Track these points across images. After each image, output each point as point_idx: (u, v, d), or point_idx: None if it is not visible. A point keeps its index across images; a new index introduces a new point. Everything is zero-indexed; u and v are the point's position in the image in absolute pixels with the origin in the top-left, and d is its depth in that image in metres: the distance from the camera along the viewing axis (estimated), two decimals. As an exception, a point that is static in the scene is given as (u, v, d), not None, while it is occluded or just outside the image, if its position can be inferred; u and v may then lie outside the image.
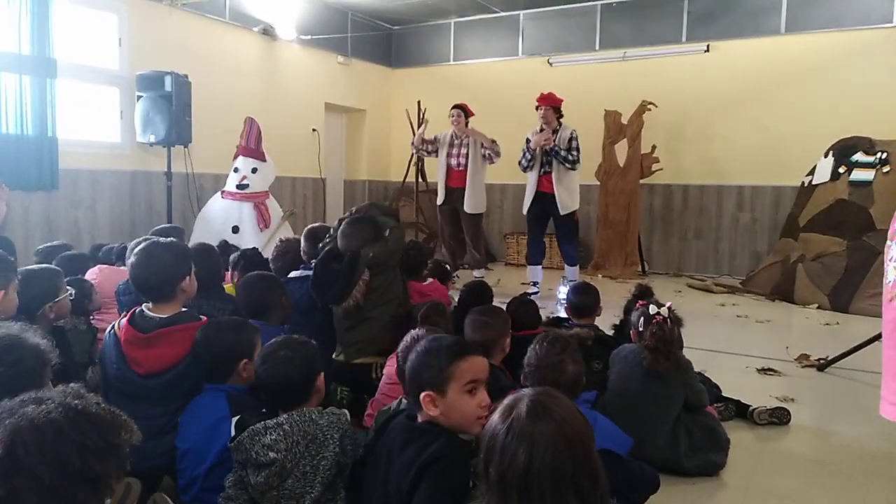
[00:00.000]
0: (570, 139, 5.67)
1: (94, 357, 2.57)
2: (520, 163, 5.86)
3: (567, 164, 5.66)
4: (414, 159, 7.51)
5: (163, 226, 4.29)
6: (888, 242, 1.04)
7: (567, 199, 5.74)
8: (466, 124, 6.19)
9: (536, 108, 5.76)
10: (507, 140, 6.61)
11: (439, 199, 6.35)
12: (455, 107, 6.21)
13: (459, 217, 6.27)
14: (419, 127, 6.61)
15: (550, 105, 5.72)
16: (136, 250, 2.20)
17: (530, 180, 5.88)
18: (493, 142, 6.11)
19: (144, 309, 2.12)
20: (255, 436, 1.68)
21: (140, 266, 2.12)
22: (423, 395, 1.56)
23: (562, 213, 5.75)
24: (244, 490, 1.70)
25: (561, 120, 5.81)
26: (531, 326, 2.87)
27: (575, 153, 5.67)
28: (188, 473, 1.84)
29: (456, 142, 6.20)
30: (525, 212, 6.00)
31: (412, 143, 6.47)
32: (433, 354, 1.59)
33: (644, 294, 3.05)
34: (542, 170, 5.78)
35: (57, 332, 2.39)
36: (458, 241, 6.43)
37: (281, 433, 1.67)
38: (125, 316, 2.12)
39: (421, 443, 1.53)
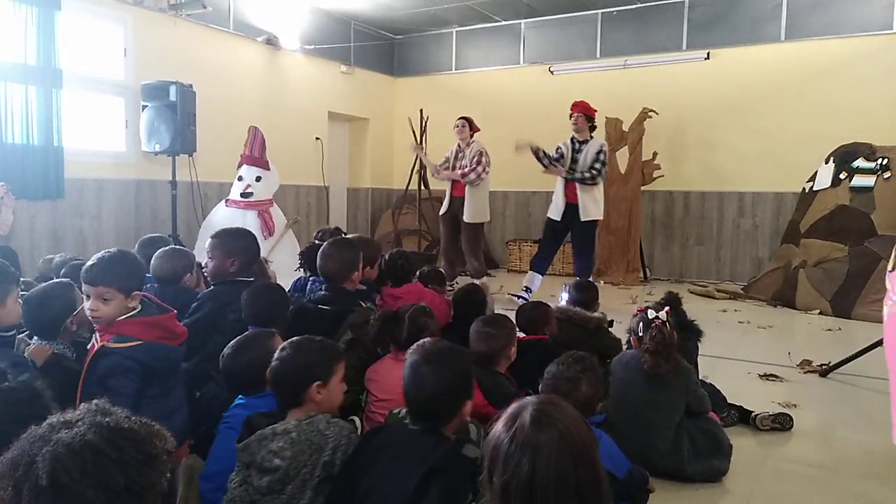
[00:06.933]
0: (598, 152, 5.68)
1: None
2: (541, 162, 5.79)
3: (588, 183, 5.67)
4: (417, 167, 7.54)
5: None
6: (888, 271, 1.03)
7: (590, 207, 5.72)
8: (471, 136, 6.24)
9: (570, 116, 5.79)
10: (509, 148, 6.63)
11: (442, 209, 6.40)
12: (461, 118, 6.26)
13: (459, 226, 6.32)
14: (421, 136, 6.65)
15: (582, 112, 5.75)
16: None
17: (558, 188, 5.86)
18: (474, 168, 6.08)
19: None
20: (262, 440, 1.69)
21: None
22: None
23: (582, 218, 5.69)
24: (247, 492, 1.72)
25: (594, 133, 5.84)
26: (540, 332, 2.87)
27: (598, 166, 5.66)
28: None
29: (460, 154, 6.24)
30: (552, 216, 5.90)
31: (435, 173, 6.40)
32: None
33: (671, 302, 3.03)
34: (568, 176, 5.74)
35: (77, 346, 2.43)
36: (456, 251, 6.47)
37: (288, 441, 1.68)
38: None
39: (423, 450, 1.54)
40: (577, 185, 5.69)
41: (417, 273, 3.65)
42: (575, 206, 5.72)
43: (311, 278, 3.45)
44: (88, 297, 2.10)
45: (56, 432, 0.93)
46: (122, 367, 2.03)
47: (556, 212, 5.87)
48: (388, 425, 1.78)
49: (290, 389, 1.81)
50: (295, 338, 1.91)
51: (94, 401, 1.03)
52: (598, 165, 5.65)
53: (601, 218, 5.86)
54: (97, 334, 2.13)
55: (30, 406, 1.38)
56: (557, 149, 5.80)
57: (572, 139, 5.80)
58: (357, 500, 1.61)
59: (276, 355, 1.85)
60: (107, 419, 0.97)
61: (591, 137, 5.78)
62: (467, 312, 2.92)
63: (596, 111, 5.84)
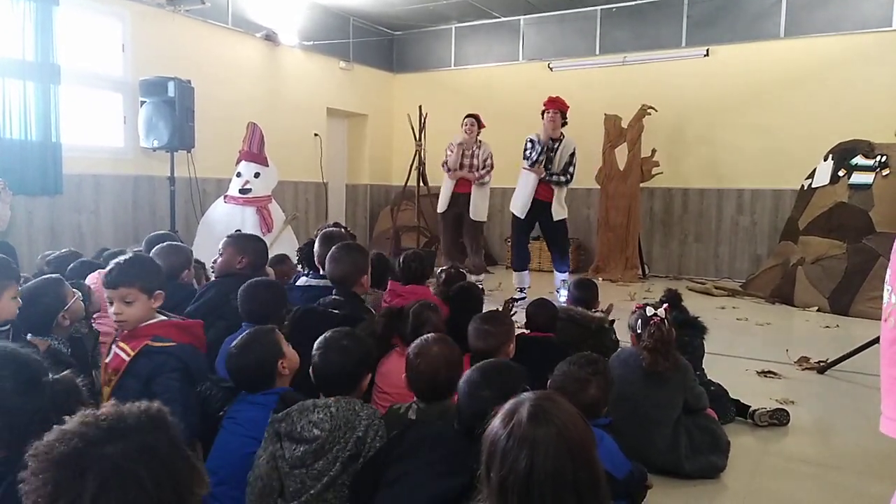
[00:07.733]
0: (572, 154, 5.68)
1: (97, 360, 2.59)
2: (527, 159, 5.72)
3: (563, 185, 5.73)
4: (415, 163, 7.54)
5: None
6: (889, 269, 1.02)
7: (561, 207, 5.80)
8: (478, 134, 6.24)
9: (543, 113, 5.70)
10: (508, 145, 6.64)
11: (442, 206, 6.35)
12: (469, 115, 6.24)
13: (462, 223, 6.32)
14: (420, 132, 6.63)
15: (559, 109, 5.68)
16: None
17: (527, 183, 5.75)
18: (489, 171, 6.15)
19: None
20: (304, 410, 1.77)
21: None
22: None
23: (555, 219, 5.77)
24: (275, 468, 1.76)
25: (564, 129, 5.76)
26: (546, 329, 2.87)
27: (572, 170, 5.70)
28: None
29: (467, 151, 6.24)
30: (520, 215, 5.84)
31: (449, 170, 6.24)
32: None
33: (672, 299, 3.03)
34: (544, 177, 5.69)
35: (73, 341, 2.43)
36: (458, 247, 6.48)
37: (328, 414, 1.76)
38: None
39: (463, 452, 1.54)
40: (552, 185, 5.72)
41: (442, 274, 3.58)
42: (544, 204, 5.74)
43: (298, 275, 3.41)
44: (111, 302, 2.09)
45: (110, 443, 0.90)
46: (167, 366, 2.02)
47: (520, 209, 5.83)
48: (430, 423, 1.81)
49: (352, 380, 1.90)
50: (335, 331, 1.97)
51: (156, 404, 0.98)
52: (572, 169, 5.70)
53: (567, 216, 5.91)
54: (119, 342, 2.10)
55: (71, 400, 1.40)
56: (532, 143, 5.73)
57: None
58: (385, 482, 1.64)
59: (328, 346, 1.90)
60: (158, 445, 0.93)
61: (563, 135, 5.74)
62: (464, 309, 2.91)
63: (569, 107, 5.79)
